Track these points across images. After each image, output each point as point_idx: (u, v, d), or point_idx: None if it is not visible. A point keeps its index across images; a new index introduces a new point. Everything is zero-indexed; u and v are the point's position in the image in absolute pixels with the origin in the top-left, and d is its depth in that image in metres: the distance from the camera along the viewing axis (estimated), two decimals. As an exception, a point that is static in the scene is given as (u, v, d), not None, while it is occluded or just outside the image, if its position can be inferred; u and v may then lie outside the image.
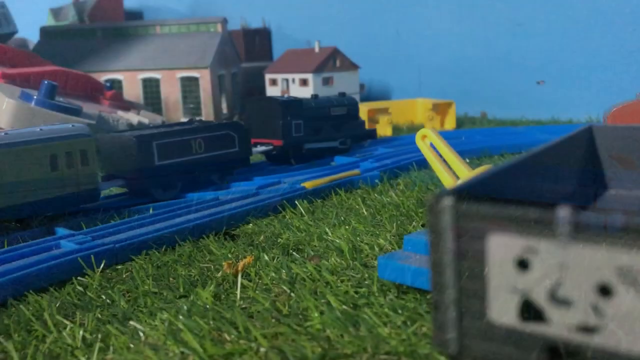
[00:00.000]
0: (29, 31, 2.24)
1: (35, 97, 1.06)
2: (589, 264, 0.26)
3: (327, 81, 1.76)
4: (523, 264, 0.27)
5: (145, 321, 0.51)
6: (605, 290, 0.26)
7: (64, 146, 0.78)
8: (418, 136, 0.59)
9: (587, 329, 0.26)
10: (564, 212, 0.26)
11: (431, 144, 0.58)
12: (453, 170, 0.56)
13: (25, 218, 0.79)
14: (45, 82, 1.08)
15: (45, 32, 1.97)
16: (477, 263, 0.28)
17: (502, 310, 0.27)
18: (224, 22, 1.90)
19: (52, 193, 0.78)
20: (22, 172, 0.75)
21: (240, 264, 0.63)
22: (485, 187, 0.33)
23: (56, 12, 2.47)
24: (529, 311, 0.27)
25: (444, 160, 0.57)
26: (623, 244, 0.25)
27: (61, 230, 0.75)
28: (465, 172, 0.55)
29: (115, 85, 1.73)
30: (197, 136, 0.95)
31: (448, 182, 0.55)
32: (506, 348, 0.28)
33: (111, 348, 0.47)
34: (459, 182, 0.30)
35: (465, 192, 0.29)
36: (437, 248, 0.28)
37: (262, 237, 0.76)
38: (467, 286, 0.28)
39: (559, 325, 0.26)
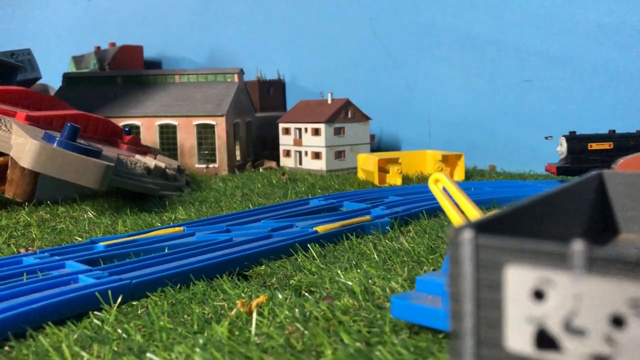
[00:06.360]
0: (51, 77, 2.32)
1: (57, 138, 1.10)
2: (603, 295, 0.27)
3: (338, 131, 1.80)
4: (539, 295, 0.28)
5: (161, 355, 0.52)
6: (618, 321, 0.27)
7: None
8: (431, 180, 0.61)
9: (600, 358, 0.27)
10: (578, 246, 0.28)
11: (444, 188, 0.59)
12: (465, 214, 0.57)
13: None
14: (68, 124, 1.11)
15: (67, 78, 2.04)
16: (495, 293, 0.29)
17: (518, 338, 0.28)
18: (241, 72, 1.97)
19: None
20: None
21: (254, 303, 0.64)
22: (501, 224, 0.34)
23: (78, 60, 2.56)
24: (544, 340, 0.28)
25: (456, 204, 0.58)
26: (635, 277, 0.26)
27: (77, 266, 0.76)
28: (476, 216, 0.56)
29: (133, 130, 1.78)
30: None
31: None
32: (523, 376, 0.29)
33: (128, 379, 0.47)
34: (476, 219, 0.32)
35: (485, 226, 0.30)
36: (457, 278, 0.30)
37: (274, 279, 0.77)
38: (485, 315, 0.29)
39: (573, 354, 0.27)
